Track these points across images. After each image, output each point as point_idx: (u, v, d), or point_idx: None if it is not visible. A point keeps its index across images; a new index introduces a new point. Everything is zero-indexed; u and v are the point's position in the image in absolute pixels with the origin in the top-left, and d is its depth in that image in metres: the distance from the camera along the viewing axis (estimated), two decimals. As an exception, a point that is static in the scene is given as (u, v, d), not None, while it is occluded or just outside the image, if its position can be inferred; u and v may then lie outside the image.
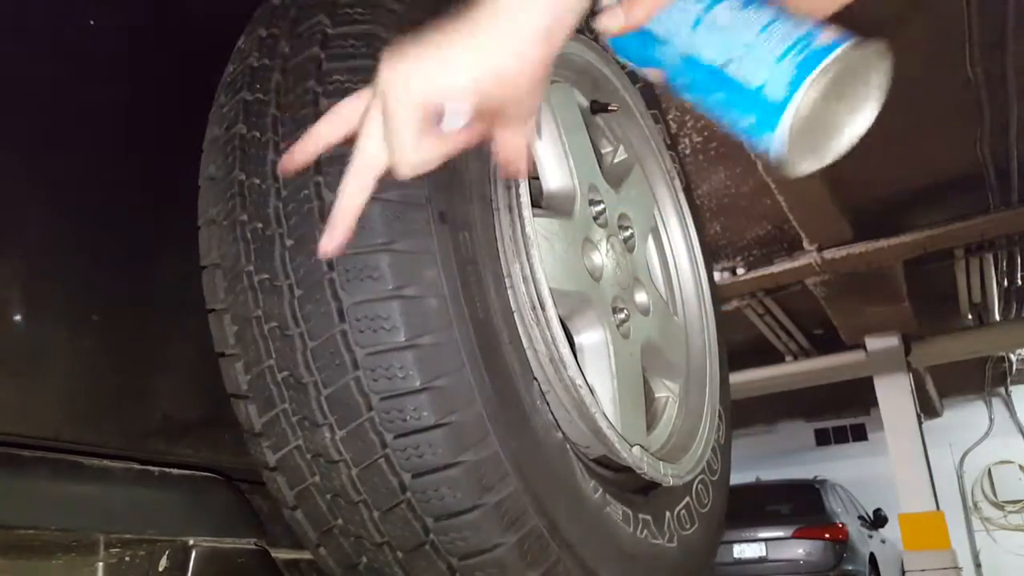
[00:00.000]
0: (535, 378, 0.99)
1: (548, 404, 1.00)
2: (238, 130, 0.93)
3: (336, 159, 0.84)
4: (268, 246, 0.86)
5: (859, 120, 0.71)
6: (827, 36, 0.67)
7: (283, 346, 0.85)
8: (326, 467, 0.85)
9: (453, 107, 0.67)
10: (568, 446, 1.01)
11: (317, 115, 0.86)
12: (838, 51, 0.66)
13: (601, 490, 1.05)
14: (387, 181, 0.81)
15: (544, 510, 0.91)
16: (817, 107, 0.66)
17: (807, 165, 0.70)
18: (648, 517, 1.16)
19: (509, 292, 0.99)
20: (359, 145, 0.71)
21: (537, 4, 0.64)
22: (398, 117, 0.67)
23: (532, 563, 0.89)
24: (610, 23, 0.76)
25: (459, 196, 0.92)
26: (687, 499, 1.31)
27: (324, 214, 0.83)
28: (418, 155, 0.69)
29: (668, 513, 1.23)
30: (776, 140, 0.68)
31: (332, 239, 0.72)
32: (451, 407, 0.82)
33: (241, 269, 0.88)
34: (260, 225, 0.87)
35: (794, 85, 0.66)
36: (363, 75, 0.87)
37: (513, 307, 0.99)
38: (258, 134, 0.91)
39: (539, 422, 0.96)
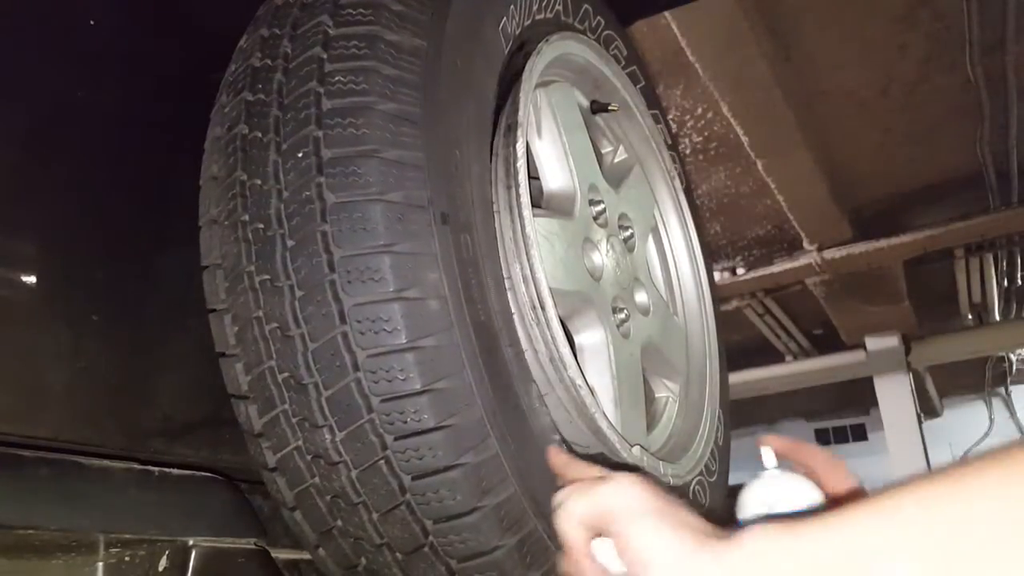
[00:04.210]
0: (534, 380, 0.99)
1: (547, 406, 1.00)
2: (240, 130, 0.93)
3: (339, 160, 0.84)
4: (269, 247, 0.86)
5: None
6: None
7: (284, 347, 0.85)
8: (326, 468, 0.85)
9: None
10: (564, 448, 1.00)
11: (319, 116, 0.87)
12: None
13: None
14: (390, 183, 0.82)
15: (543, 512, 0.91)
16: None
17: None
18: None
19: (509, 294, 0.99)
20: None
21: None
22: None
23: (532, 565, 0.89)
24: None
25: (461, 198, 0.92)
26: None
27: (325, 215, 0.83)
28: None
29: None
30: None
31: None
32: (451, 409, 0.82)
33: (242, 270, 0.89)
34: (261, 226, 0.87)
35: None
36: (365, 76, 0.87)
37: (512, 309, 0.99)
38: (260, 135, 0.91)
39: (537, 424, 0.96)
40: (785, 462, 0.83)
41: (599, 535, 0.71)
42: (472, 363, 0.84)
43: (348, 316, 0.81)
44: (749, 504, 0.80)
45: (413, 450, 0.81)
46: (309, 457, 0.86)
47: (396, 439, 0.81)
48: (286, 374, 0.85)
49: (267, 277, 0.86)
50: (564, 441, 1.01)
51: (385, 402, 0.81)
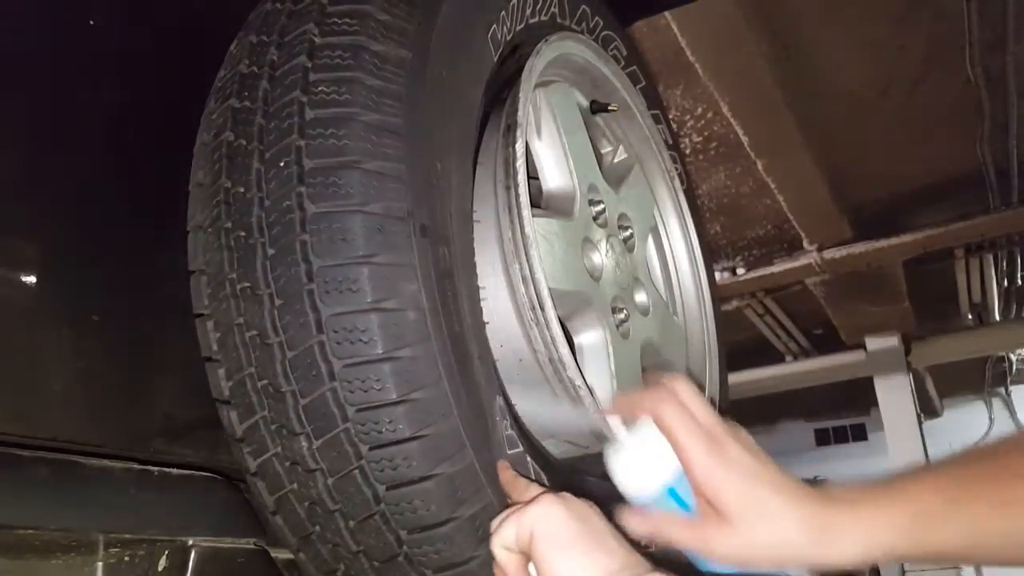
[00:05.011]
0: (500, 392, 0.99)
1: (510, 418, 1.00)
2: (226, 137, 0.94)
3: (320, 170, 0.84)
4: (250, 255, 0.87)
5: None
6: None
7: (263, 355, 0.85)
8: (303, 475, 0.86)
9: None
10: (528, 459, 1.01)
11: (302, 126, 0.87)
12: None
13: None
14: (370, 194, 0.82)
15: None
16: None
17: None
18: None
19: (482, 305, 0.99)
20: None
21: None
22: None
23: None
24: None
25: (440, 210, 0.92)
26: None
27: (305, 225, 0.83)
28: None
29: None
30: None
31: None
32: (427, 420, 0.82)
33: (224, 276, 0.89)
34: (243, 233, 0.88)
35: None
36: (348, 86, 0.88)
37: (486, 319, 0.99)
38: (244, 142, 0.92)
39: (499, 437, 0.96)
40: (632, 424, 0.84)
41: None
42: (449, 374, 0.85)
43: (325, 326, 0.81)
44: (632, 479, 0.82)
45: (387, 460, 0.81)
46: (287, 463, 0.87)
47: (371, 449, 0.81)
48: (265, 381, 0.86)
49: (248, 285, 0.86)
50: (525, 451, 1.02)
51: (360, 412, 0.81)
